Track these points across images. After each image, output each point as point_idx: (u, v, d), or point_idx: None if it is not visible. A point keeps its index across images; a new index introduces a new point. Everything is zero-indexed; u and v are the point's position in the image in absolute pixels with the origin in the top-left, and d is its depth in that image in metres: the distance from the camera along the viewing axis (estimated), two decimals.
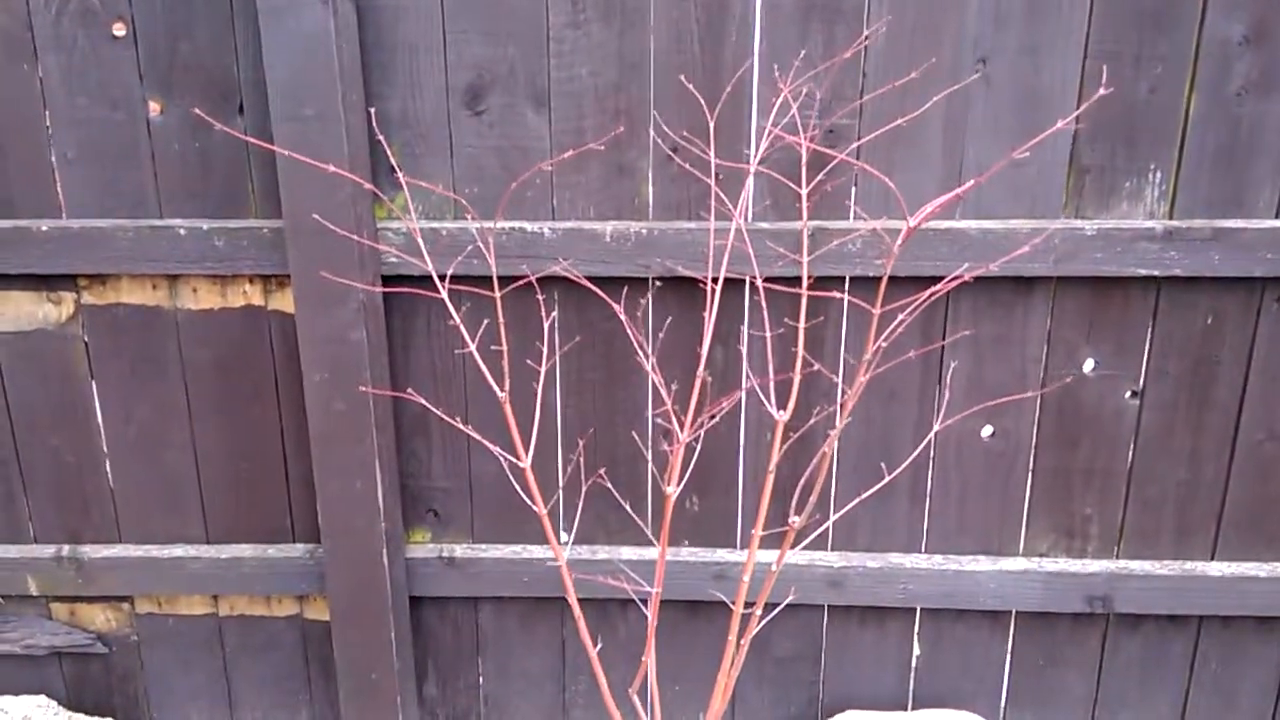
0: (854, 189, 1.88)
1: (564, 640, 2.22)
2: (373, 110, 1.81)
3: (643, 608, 1.86)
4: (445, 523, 2.14)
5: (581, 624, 1.72)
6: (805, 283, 1.70)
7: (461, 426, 1.93)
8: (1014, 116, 1.82)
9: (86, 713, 2.28)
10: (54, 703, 2.24)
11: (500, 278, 1.81)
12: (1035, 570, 2.07)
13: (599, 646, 1.75)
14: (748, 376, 1.98)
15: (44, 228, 1.91)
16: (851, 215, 1.89)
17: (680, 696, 2.25)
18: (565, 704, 2.27)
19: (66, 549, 2.14)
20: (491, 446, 1.78)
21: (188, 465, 2.10)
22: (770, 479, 1.65)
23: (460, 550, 2.13)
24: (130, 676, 2.28)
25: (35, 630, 2.21)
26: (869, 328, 1.60)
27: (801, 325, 1.65)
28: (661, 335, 1.96)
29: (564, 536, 2.12)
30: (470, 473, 2.10)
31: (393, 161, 1.85)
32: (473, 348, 1.62)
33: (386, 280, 1.93)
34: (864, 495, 1.84)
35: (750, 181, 1.83)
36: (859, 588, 2.10)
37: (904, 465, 1.94)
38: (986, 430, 2.02)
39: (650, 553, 2.10)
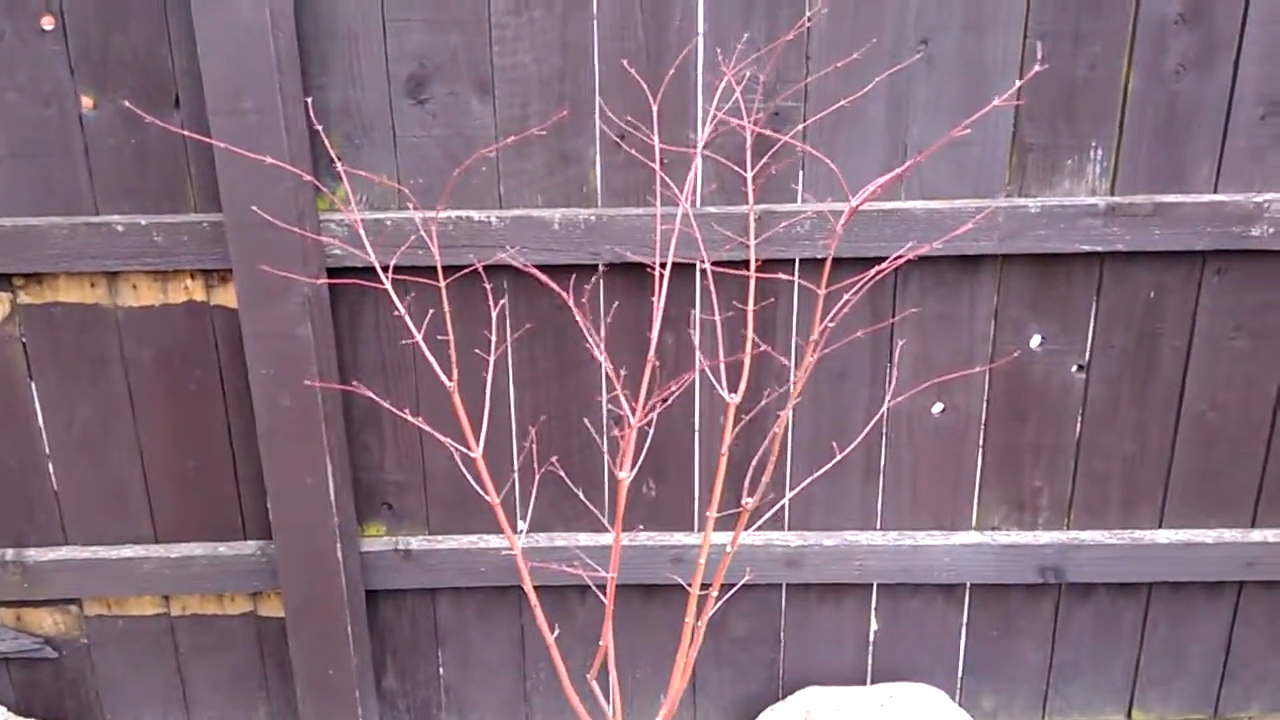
0: (800, 171, 1.88)
1: (523, 628, 2.22)
2: (310, 101, 1.78)
3: (600, 594, 1.86)
4: (400, 515, 2.13)
5: (538, 612, 1.71)
6: (753, 265, 1.70)
7: (411, 418, 1.91)
8: (956, 96, 1.83)
9: (38, 718, 2.24)
10: (3, 709, 2.20)
11: (446, 267, 1.80)
12: (988, 543, 2.10)
13: (557, 633, 1.74)
14: (699, 360, 1.98)
15: None
16: (799, 198, 1.89)
17: (640, 679, 2.25)
18: (526, 692, 2.27)
19: (11, 553, 2.10)
20: (442, 437, 1.77)
21: (133, 464, 2.07)
22: (723, 461, 1.65)
23: (416, 542, 2.12)
24: (81, 680, 2.24)
25: None
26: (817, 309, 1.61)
27: (750, 308, 1.66)
28: (611, 321, 1.96)
29: (520, 525, 2.11)
30: (424, 465, 2.09)
31: (333, 153, 1.83)
32: (419, 338, 1.60)
33: (332, 272, 1.90)
34: (817, 474, 1.85)
35: (697, 166, 1.82)
36: (816, 566, 2.12)
37: (855, 443, 1.96)
38: (937, 407, 2.04)
39: (607, 538, 2.10)
